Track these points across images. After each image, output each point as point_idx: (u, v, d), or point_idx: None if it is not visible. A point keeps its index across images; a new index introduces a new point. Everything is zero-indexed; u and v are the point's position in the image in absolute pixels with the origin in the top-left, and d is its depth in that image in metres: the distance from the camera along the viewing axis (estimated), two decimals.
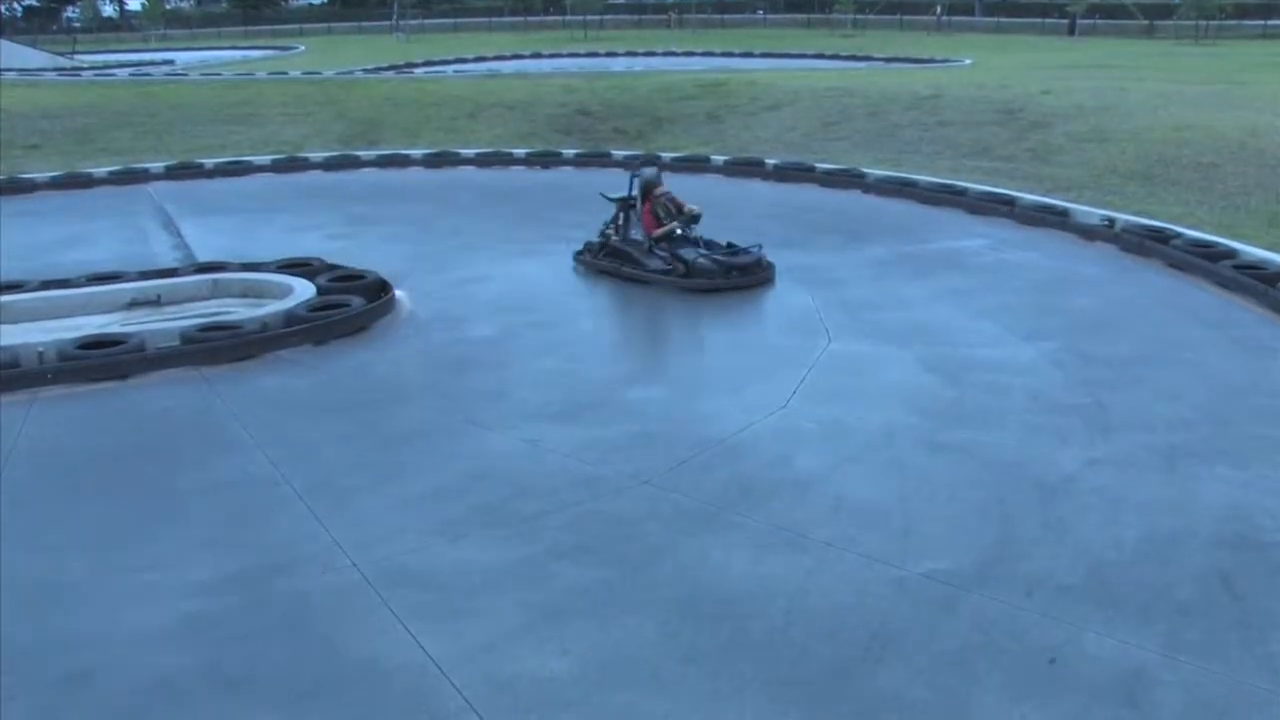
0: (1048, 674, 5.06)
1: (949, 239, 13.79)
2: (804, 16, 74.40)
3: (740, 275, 11.56)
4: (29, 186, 17.79)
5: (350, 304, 10.42)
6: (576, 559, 6.15)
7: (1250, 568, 5.98)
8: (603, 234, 12.52)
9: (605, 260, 12.32)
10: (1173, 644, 5.26)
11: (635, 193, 12.31)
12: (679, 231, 11.86)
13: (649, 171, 12.58)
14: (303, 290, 10.81)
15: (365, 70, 37.00)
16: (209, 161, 19.66)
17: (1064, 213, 14.34)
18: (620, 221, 12.44)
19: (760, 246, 11.86)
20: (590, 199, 15.78)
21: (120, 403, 8.71)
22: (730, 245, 11.89)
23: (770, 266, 11.84)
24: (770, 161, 18.73)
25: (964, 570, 5.96)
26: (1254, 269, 11.23)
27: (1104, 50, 42.61)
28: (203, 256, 12.87)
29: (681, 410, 8.35)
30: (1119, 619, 5.49)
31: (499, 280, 12.17)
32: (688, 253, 11.64)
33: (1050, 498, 6.83)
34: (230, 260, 12.16)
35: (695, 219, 12.01)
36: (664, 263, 11.72)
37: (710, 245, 11.86)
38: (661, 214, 12.03)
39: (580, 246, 12.73)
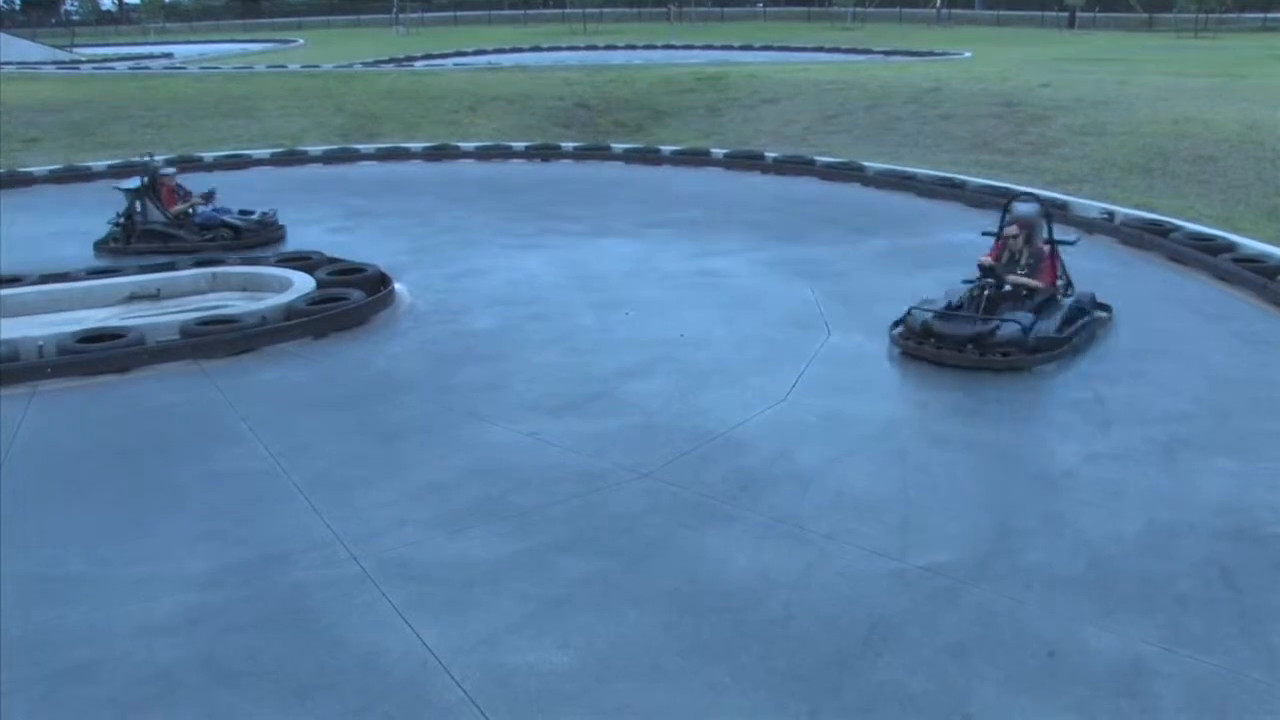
0: (1047, 666, 5.07)
1: (949, 232, 13.77)
2: (804, 9, 74.30)
3: (956, 348, 9.01)
4: (28, 180, 17.77)
5: (349, 297, 10.42)
6: (576, 552, 6.16)
7: (1249, 560, 5.98)
8: None
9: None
10: (1172, 636, 5.27)
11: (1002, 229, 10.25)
12: (988, 288, 9.45)
13: (1023, 208, 10.17)
14: (302, 284, 10.80)
15: (364, 64, 36.96)
16: (208, 155, 19.65)
17: (1063, 206, 14.31)
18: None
19: (1026, 325, 9.09)
20: (590, 192, 15.77)
21: (120, 396, 8.71)
22: (1006, 316, 9.17)
23: (1055, 348, 9.12)
24: (770, 155, 18.72)
25: (964, 563, 5.96)
26: (1253, 262, 11.23)
27: (1103, 43, 42.60)
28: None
29: (681, 403, 8.34)
30: (1119, 612, 5.49)
31: (498, 274, 12.16)
32: (927, 310, 9.46)
33: (1050, 491, 6.84)
34: (229, 254, 12.15)
35: (992, 271, 9.53)
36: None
37: (995, 305, 9.32)
38: (1004, 259, 9.89)
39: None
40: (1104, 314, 10.18)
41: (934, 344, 9.15)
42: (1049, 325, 9.28)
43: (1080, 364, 9.02)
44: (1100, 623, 5.39)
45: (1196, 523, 6.40)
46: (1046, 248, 10.06)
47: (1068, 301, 9.81)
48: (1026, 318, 9.18)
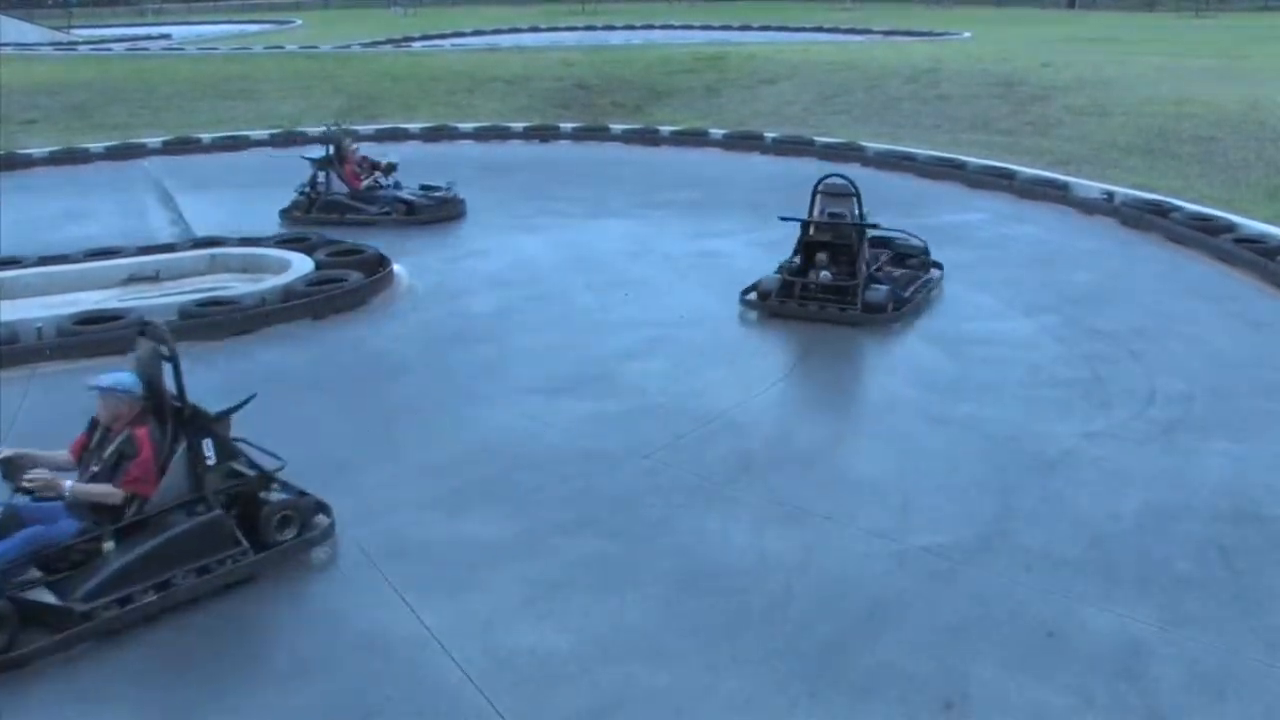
0: (1046, 647, 5.08)
1: (948, 213, 13.75)
2: None
3: None
4: (26, 162, 17.71)
5: (348, 279, 10.40)
6: (576, 533, 6.16)
7: (1248, 541, 5.99)
8: None
9: None
10: (1170, 617, 5.28)
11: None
12: None
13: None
14: (301, 265, 10.79)
15: (363, 44, 36.81)
16: (206, 136, 19.57)
17: (1064, 186, 14.31)
18: None
19: None
20: (589, 173, 15.71)
21: None
22: None
23: None
24: (769, 135, 18.66)
25: (963, 544, 5.97)
26: (1254, 242, 11.21)
27: (1104, 23, 42.42)
28: (200, 231, 12.83)
29: (680, 384, 8.34)
30: (1117, 592, 5.50)
31: (497, 254, 12.14)
32: None
33: (1049, 471, 6.84)
34: (228, 235, 12.13)
35: None
36: None
37: None
38: None
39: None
40: None
41: None
42: None
43: (1079, 344, 9.01)
44: (1099, 603, 5.40)
45: (1195, 503, 6.41)
46: None
47: None
48: None
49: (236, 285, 10.68)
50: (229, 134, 19.83)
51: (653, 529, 6.22)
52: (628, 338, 9.37)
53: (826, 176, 10.29)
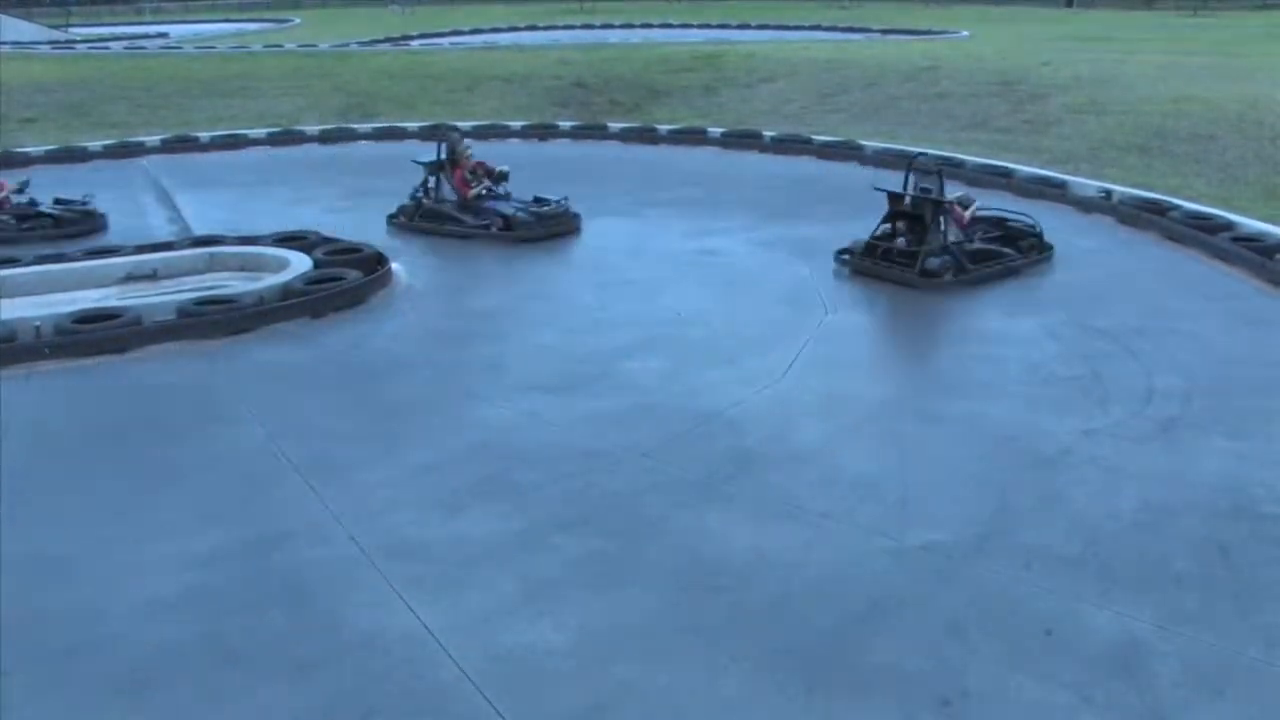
0: (1044, 644, 5.08)
1: None
2: None
3: None
4: (24, 160, 17.69)
5: (346, 277, 10.40)
6: (575, 531, 6.16)
7: (1246, 538, 5.99)
8: None
9: None
10: (1169, 614, 5.28)
11: None
12: None
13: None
14: (299, 264, 10.79)
15: (361, 43, 36.80)
16: (204, 135, 19.55)
17: (1061, 185, 14.29)
18: None
19: None
20: (587, 172, 15.69)
21: (117, 377, 8.70)
22: None
23: None
24: (768, 133, 18.65)
25: (961, 542, 5.98)
26: (1252, 241, 11.21)
27: (1102, 22, 42.41)
28: (199, 230, 12.83)
29: (679, 382, 8.34)
30: (1116, 590, 5.50)
31: (496, 252, 12.14)
32: None
33: (1047, 469, 6.85)
34: (226, 234, 12.12)
35: None
36: None
37: None
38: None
39: None
40: None
41: None
42: None
43: (1077, 342, 9.02)
44: (1097, 601, 5.40)
45: (1194, 501, 6.41)
46: None
47: None
48: None
49: (235, 284, 10.68)
50: (228, 132, 19.81)
51: (651, 527, 6.22)
52: (627, 336, 9.37)
53: (918, 156, 11.98)
